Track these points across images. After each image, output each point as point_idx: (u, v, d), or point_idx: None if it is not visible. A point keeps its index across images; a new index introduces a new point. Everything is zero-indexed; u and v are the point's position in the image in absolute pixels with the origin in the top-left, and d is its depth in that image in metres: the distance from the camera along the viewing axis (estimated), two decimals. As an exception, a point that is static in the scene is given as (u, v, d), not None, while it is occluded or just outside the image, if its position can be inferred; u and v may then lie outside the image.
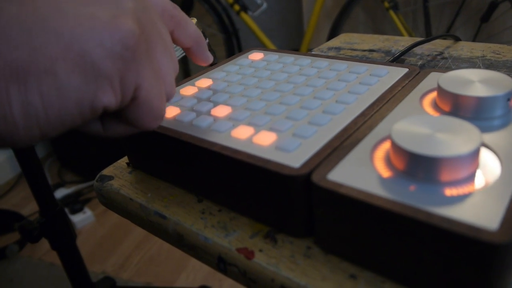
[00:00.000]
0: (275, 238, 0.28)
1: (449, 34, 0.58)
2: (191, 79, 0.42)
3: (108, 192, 0.37)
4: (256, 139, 0.30)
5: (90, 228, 1.58)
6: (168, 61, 0.27)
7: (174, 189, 0.35)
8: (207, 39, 0.57)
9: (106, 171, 0.39)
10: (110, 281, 0.91)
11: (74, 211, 1.61)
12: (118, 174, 0.38)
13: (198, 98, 0.37)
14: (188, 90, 0.39)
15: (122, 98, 0.23)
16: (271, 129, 0.31)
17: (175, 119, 0.34)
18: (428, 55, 0.55)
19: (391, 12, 1.69)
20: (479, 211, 0.21)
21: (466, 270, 0.21)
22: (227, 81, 0.40)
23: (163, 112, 0.26)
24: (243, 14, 1.94)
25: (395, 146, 0.25)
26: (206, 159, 0.31)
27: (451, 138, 0.24)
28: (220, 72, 0.42)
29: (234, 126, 0.32)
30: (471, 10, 1.63)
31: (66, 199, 1.68)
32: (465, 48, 0.56)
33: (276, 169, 0.26)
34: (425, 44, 0.58)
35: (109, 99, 0.22)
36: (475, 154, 0.23)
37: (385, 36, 0.64)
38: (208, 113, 0.34)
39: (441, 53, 0.55)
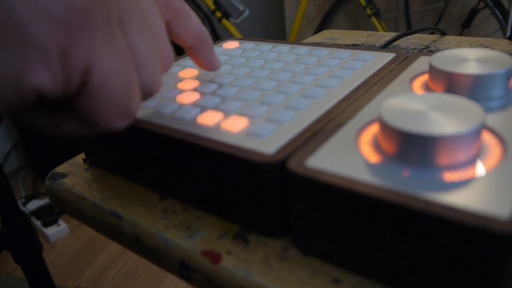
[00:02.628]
0: (247, 239, 0.24)
1: (435, 28, 0.55)
2: (158, 68, 0.37)
3: (60, 191, 0.32)
4: (224, 124, 0.26)
5: (64, 241, 1.50)
6: (150, 45, 0.21)
7: (135, 186, 0.31)
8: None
9: (60, 168, 0.35)
10: (81, 296, 0.85)
11: (48, 224, 1.53)
12: (73, 171, 0.34)
13: (164, 84, 0.33)
14: (153, 77, 0.35)
15: (65, 81, 0.18)
16: (242, 114, 0.27)
17: (135, 107, 0.30)
18: (414, 49, 0.52)
19: (373, 19, 1.69)
20: (486, 198, 0.18)
21: (471, 266, 0.17)
22: (197, 68, 0.36)
23: (131, 107, 0.20)
24: (225, 21, 1.91)
25: (385, 126, 0.21)
26: (168, 149, 0.26)
27: (449, 116, 0.21)
28: (190, 60, 0.38)
29: (201, 112, 0.28)
30: (452, 16, 1.63)
31: (40, 210, 1.60)
32: (452, 41, 0.54)
33: (246, 156, 0.22)
34: (410, 38, 0.56)
35: (43, 79, 0.17)
36: (478, 132, 0.20)
37: (369, 32, 0.62)
38: (173, 99, 0.30)
39: (427, 46, 0.52)
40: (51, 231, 1.50)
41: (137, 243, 0.27)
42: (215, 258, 0.23)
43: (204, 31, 0.30)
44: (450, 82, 0.26)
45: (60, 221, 1.54)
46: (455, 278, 0.18)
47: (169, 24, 0.28)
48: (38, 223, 1.55)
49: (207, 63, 0.32)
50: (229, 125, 0.26)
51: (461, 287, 0.18)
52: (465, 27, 1.54)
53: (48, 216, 1.55)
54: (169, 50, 0.24)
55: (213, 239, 0.25)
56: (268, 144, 0.23)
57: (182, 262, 0.25)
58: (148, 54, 0.21)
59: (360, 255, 0.21)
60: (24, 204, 1.63)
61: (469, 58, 0.27)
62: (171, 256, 0.25)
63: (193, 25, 0.29)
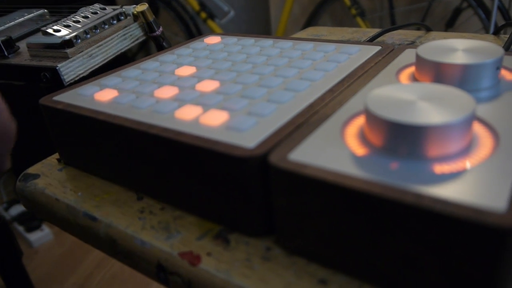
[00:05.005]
0: (228, 239, 0.23)
1: (420, 23, 0.54)
2: (136, 63, 0.36)
3: (32, 193, 0.31)
4: (203, 119, 0.24)
5: (48, 247, 1.47)
6: None
7: (112, 186, 0.29)
8: (161, 27, 0.52)
9: (32, 169, 0.33)
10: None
11: (31, 229, 1.50)
12: (46, 171, 0.32)
13: (141, 80, 0.32)
14: (131, 72, 0.33)
15: None
16: (222, 108, 0.26)
17: (111, 102, 0.28)
18: (399, 44, 0.51)
19: (358, 19, 1.68)
20: (479, 190, 0.17)
21: (465, 262, 0.16)
22: (177, 64, 0.34)
23: None
24: (210, 22, 1.89)
25: (371, 116, 0.20)
26: (145, 145, 0.25)
27: (439, 106, 0.20)
28: (170, 55, 0.37)
29: (179, 107, 0.26)
30: (436, 16, 1.64)
31: (23, 216, 1.56)
32: (437, 37, 0.53)
33: (226, 151, 0.21)
34: (395, 34, 0.55)
35: None
36: (469, 122, 0.19)
37: (354, 28, 0.61)
38: (151, 94, 0.29)
39: (413, 42, 0.52)
40: (34, 237, 1.47)
41: (112, 246, 0.25)
42: (194, 259, 0.22)
43: (7, 130, 0.26)
44: (438, 73, 0.25)
45: (44, 226, 1.50)
46: (448, 276, 0.17)
47: None
48: (21, 228, 1.51)
49: None
50: (208, 119, 0.24)
51: (455, 285, 0.17)
52: (449, 26, 1.55)
53: (31, 221, 1.51)
54: (9, 127, 0.24)
55: (192, 239, 0.23)
56: (249, 138, 0.22)
57: (160, 265, 0.23)
58: None
59: (347, 253, 0.19)
60: (6, 209, 1.59)
61: (457, 48, 0.26)
62: (148, 258, 0.24)
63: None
